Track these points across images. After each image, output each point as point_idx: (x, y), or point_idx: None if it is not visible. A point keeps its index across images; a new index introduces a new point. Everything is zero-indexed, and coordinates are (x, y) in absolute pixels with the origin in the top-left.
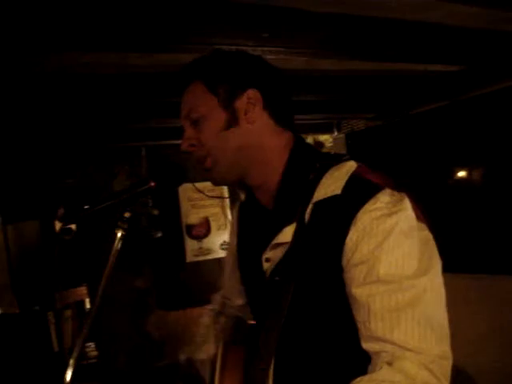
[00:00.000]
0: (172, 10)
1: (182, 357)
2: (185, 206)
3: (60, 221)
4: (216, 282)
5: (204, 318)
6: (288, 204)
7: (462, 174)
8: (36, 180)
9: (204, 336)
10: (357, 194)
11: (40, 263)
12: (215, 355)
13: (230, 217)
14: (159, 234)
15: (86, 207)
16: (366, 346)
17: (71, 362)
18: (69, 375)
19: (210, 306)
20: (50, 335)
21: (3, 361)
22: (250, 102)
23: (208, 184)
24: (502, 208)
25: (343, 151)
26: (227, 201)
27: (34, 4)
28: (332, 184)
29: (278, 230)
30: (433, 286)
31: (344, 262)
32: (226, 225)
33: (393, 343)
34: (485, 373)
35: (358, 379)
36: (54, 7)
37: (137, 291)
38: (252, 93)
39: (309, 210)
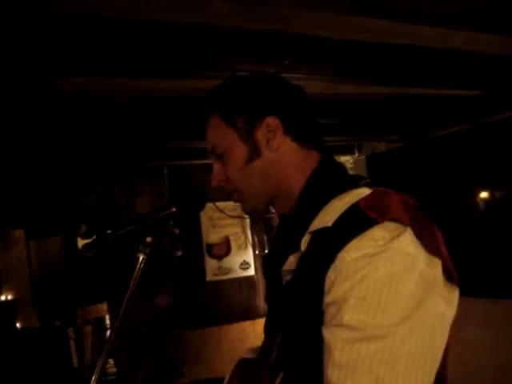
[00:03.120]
0: (195, 37)
1: None
2: (205, 225)
3: (82, 238)
4: (235, 302)
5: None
6: (294, 231)
7: (483, 195)
8: (59, 197)
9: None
10: (345, 230)
11: (62, 279)
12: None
13: (250, 236)
14: (179, 253)
15: (108, 232)
16: None
17: (93, 378)
18: None
19: None
20: (69, 351)
21: (23, 375)
22: (269, 130)
23: (229, 203)
24: None
25: (364, 173)
26: (248, 220)
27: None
28: (328, 214)
29: (286, 256)
30: (411, 338)
31: (323, 298)
32: (246, 244)
33: None
34: None
35: None
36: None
37: (156, 309)
38: (270, 120)
39: (305, 240)
